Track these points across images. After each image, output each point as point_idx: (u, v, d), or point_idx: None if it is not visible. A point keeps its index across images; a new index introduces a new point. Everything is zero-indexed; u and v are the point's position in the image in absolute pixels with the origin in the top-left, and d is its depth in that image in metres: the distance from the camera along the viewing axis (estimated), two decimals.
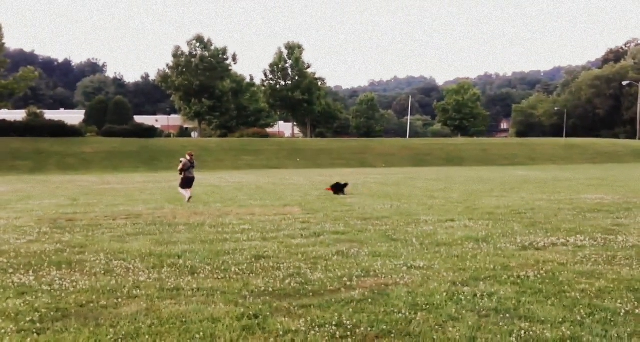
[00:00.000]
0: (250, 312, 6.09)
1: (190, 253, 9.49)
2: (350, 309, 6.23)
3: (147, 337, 5.42)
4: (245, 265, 8.56)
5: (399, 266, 8.42)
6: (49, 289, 7.17)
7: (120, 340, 5.35)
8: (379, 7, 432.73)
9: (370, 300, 6.58)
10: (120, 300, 6.64)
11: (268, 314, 6.08)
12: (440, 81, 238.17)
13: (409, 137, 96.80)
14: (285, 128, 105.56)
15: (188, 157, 19.87)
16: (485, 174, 39.54)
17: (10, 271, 8.22)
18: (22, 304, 6.44)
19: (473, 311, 6.18)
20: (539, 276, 7.77)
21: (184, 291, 7.06)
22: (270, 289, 7.09)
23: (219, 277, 7.83)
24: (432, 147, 71.82)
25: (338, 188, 23.19)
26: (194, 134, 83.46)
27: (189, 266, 8.49)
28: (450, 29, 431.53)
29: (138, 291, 7.06)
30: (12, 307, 6.32)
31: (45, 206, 17.94)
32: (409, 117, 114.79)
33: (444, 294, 6.81)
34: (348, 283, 7.40)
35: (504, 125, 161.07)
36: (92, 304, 6.49)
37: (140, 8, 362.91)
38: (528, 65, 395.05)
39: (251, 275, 7.93)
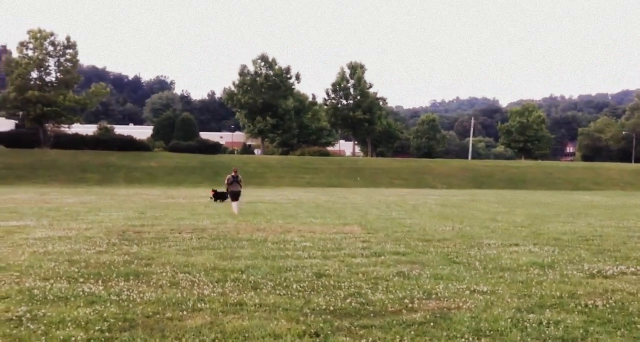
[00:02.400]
0: (312, 330, 6.13)
1: (253, 268, 9.62)
2: (412, 332, 6.18)
3: None
4: (307, 282, 8.61)
5: (462, 289, 8.30)
6: (117, 299, 7.39)
7: None
8: (442, 27, 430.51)
9: (432, 323, 6.51)
10: (185, 313, 6.79)
11: (329, 332, 6.10)
12: (503, 102, 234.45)
13: (471, 158, 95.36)
14: (345, 147, 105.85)
15: (233, 173, 22.16)
16: (549, 198, 38.54)
17: (81, 280, 8.53)
18: (92, 313, 6.66)
19: (539, 339, 6.04)
20: (607, 305, 7.51)
21: (246, 306, 7.16)
22: (332, 308, 7.11)
23: (281, 293, 7.90)
24: (494, 169, 70.52)
25: (218, 196, 26.24)
26: (257, 151, 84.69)
27: (252, 281, 8.61)
28: (515, 49, 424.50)
29: (202, 304, 7.20)
30: (82, 315, 6.54)
31: (113, 218, 18.53)
32: (471, 138, 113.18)
33: (509, 320, 6.67)
34: (409, 305, 7.35)
35: (569, 148, 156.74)
36: (158, 316, 6.66)
37: (208, 28, 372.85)
38: (595, 87, 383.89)
39: (312, 293, 7.98)
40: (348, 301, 7.48)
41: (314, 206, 27.13)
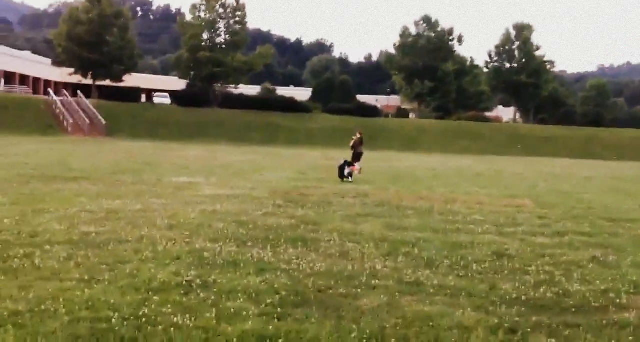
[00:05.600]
0: (506, 325, 5.30)
1: (424, 242, 8.91)
2: (630, 338, 5.16)
3: (394, 341, 4.91)
4: (487, 263, 7.76)
5: None
6: (287, 268, 7.03)
7: (365, 341, 4.87)
8: None
9: None
10: (359, 290, 6.24)
11: (527, 330, 5.24)
12: None
13: None
14: (503, 113, 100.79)
15: (358, 135, 22.05)
16: None
17: (249, 244, 8.30)
18: (262, 283, 6.29)
19: None
20: None
21: (424, 287, 6.48)
22: (523, 298, 6.21)
23: (460, 274, 7.13)
24: None
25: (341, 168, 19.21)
26: (412, 115, 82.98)
27: (425, 258, 7.91)
28: None
29: (376, 281, 6.63)
30: (252, 285, 6.20)
31: (277, 178, 18.65)
32: None
33: None
34: (617, 301, 6.26)
35: None
36: (330, 291, 6.18)
37: None
38: None
39: (496, 276, 7.12)
40: (541, 290, 6.53)
41: (474, 175, 25.83)
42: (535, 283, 6.83)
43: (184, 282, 6.24)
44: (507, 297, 6.23)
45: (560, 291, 6.53)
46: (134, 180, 16.35)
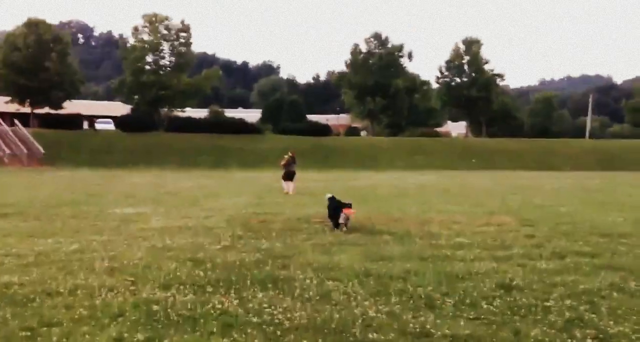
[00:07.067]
0: None
1: (415, 275, 7.59)
2: None
3: None
4: (497, 300, 6.47)
5: None
6: (259, 321, 5.59)
7: None
8: (550, 1, 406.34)
9: None
10: None
11: None
12: (619, 79, 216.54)
13: (589, 138, 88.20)
14: (453, 128, 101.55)
15: (290, 154, 23.24)
16: None
17: (209, 289, 6.79)
18: None
19: None
20: None
21: (435, 339, 5.16)
22: None
23: (470, 316, 5.84)
24: (625, 150, 64.87)
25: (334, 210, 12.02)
26: (363, 133, 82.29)
27: (422, 296, 6.58)
28: (632, 22, 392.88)
29: (374, 334, 5.26)
30: None
31: (233, 205, 17.09)
32: (589, 117, 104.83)
33: None
34: None
35: None
36: None
37: (311, 13, 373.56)
38: None
39: (515, 318, 5.84)
40: (576, 334, 5.29)
41: (441, 191, 24.82)
42: (563, 324, 5.59)
43: None
44: None
45: (600, 335, 5.30)
46: (73, 213, 14.57)
